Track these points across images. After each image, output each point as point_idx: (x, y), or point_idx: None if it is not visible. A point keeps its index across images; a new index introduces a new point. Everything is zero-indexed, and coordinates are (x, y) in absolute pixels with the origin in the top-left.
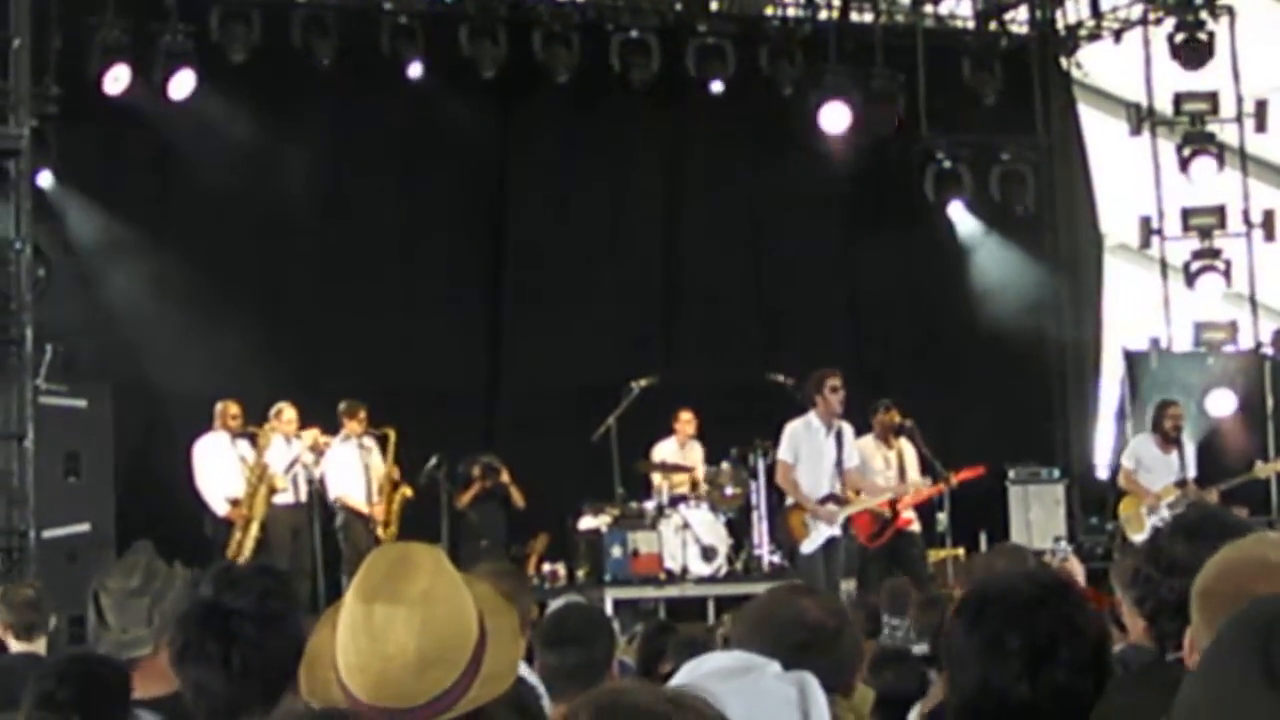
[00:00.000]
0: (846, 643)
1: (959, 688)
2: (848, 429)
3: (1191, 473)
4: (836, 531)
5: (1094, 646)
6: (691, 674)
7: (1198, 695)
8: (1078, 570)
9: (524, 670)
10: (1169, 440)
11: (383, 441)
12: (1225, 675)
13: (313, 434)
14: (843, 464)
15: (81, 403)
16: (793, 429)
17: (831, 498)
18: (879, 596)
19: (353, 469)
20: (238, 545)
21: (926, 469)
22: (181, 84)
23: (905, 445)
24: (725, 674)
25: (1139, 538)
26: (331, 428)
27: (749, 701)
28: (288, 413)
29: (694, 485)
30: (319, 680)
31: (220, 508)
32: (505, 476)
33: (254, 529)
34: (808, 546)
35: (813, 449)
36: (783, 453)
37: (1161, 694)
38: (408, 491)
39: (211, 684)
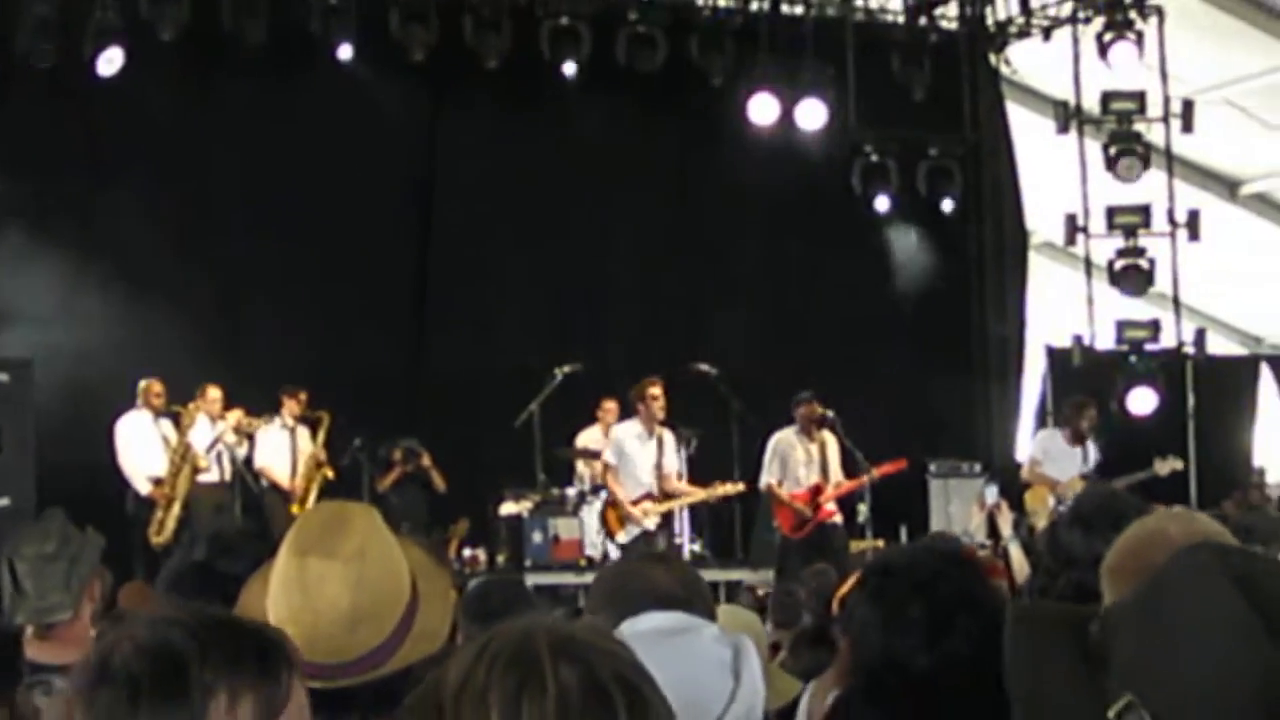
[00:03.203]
0: (697, 613)
1: (862, 659)
2: (669, 435)
3: (1091, 467)
4: (650, 526)
5: (994, 618)
6: (627, 632)
7: (1175, 654)
8: (1020, 560)
9: None
10: (1078, 437)
11: (315, 424)
12: (1213, 630)
13: (236, 415)
14: (662, 467)
15: (3, 377)
16: (618, 432)
17: (648, 497)
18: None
19: (281, 448)
20: (159, 524)
21: (848, 462)
22: (110, 61)
23: (828, 438)
24: (661, 634)
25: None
26: (255, 408)
27: (682, 662)
28: (212, 393)
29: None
30: None
31: (143, 486)
32: (426, 460)
33: (176, 508)
34: (623, 538)
35: (634, 452)
36: (607, 454)
37: None
38: (329, 473)
39: None
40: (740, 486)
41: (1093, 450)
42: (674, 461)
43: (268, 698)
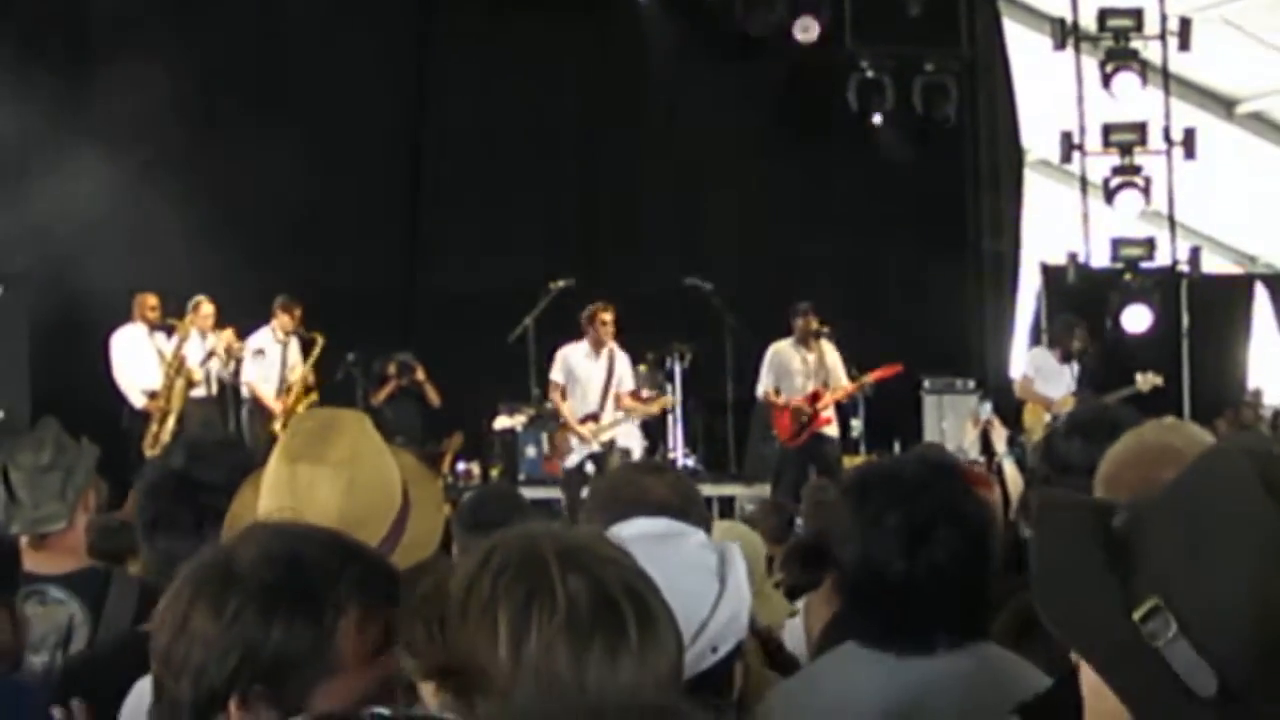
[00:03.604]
0: (692, 523)
1: (842, 564)
2: (621, 355)
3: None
4: (596, 448)
5: (976, 532)
6: (615, 537)
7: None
8: (1014, 476)
9: None
10: (1067, 356)
11: (309, 344)
12: (1249, 546)
13: (227, 335)
14: (611, 386)
15: None
16: (563, 353)
17: (592, 417)
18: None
19: (270, 364)
20: (154, 438)
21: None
22: None
23: (826, 346)
24: (647, 538)
25: None
26: (249, 323)
27: (667, 566)
28: (205, 307)
29: None
30: None
31: (138, 400)
32: (421, 375)
33: (170, 421)
34: (570, 461)
35: (582, 371)
36: (555, 373)
37: None
38: (315, 398)
39: (184, 554)
40: (670, 400)
41: (1076, 369)
42: (628, 380)
43: (392, 626)
